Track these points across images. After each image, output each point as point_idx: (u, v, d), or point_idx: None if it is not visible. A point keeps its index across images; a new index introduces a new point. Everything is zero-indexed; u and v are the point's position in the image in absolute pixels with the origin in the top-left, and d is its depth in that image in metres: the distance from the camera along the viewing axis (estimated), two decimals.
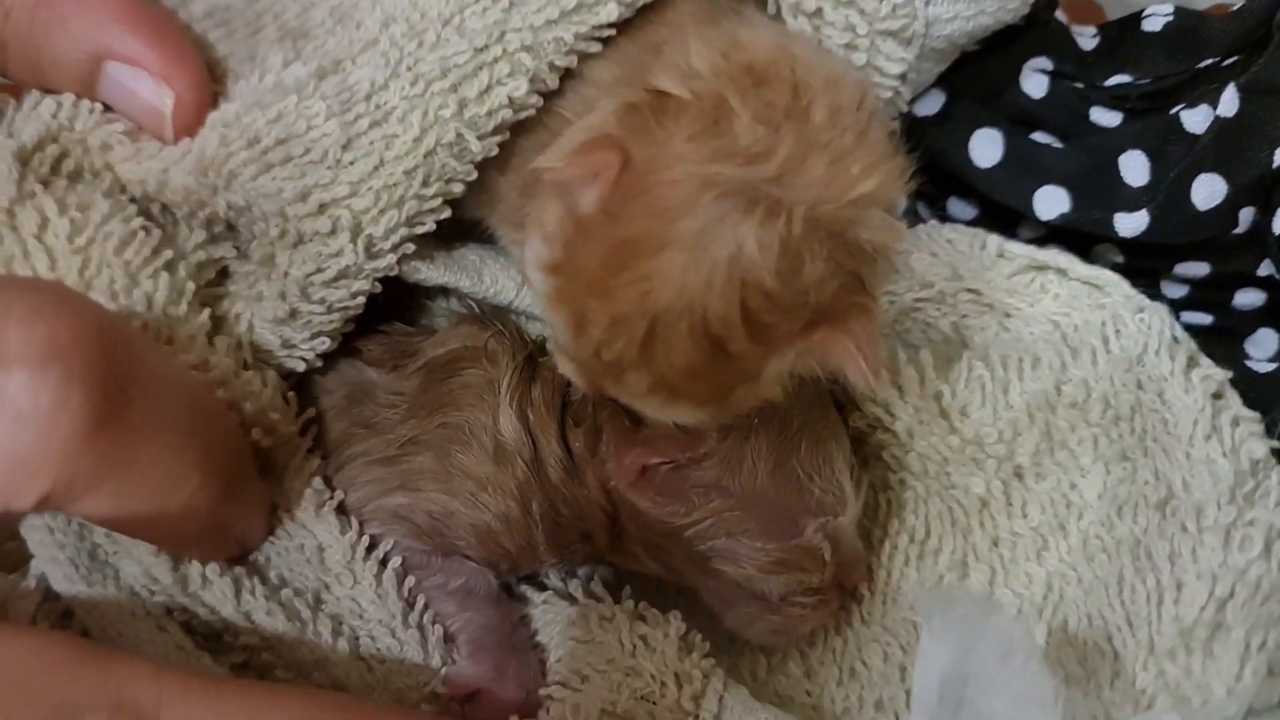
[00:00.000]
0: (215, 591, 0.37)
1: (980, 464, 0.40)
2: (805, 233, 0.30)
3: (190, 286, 0.38)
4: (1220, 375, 0.38)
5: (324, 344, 0.40)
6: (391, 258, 0.38)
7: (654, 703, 0.36)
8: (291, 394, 0.40)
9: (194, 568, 0.37)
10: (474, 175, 0.38)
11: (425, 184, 0.37)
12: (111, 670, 0.29)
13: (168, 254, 0.38)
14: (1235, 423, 0.37)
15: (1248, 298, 0.44)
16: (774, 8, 0.39)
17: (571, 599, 0.41)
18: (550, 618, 0.41)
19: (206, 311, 0.39)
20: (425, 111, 0.36)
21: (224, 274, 0.41)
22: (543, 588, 0.43)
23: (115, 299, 0.36)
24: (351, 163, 0.36)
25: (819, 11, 0.38)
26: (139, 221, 0.38)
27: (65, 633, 0.36)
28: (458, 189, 0.38)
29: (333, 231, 0.37)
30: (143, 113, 0.37)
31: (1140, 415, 0.38)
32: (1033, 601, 0.39)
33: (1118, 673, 0.35)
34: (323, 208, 0.37)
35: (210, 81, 0.38)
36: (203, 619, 0.37)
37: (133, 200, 0.38)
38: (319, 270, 0.38)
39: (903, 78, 0.39)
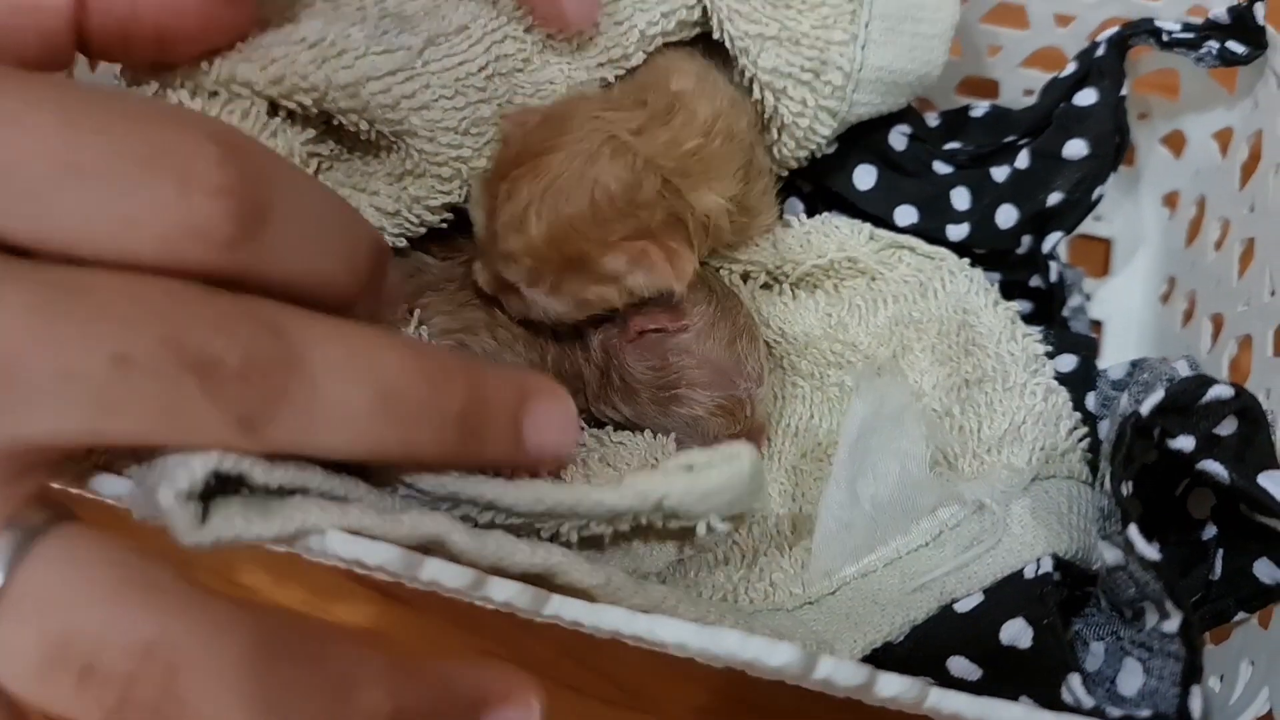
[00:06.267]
0: None
1: (853, 364, 0.55)
2: (644, 168, 0.46)
3: None
4: (1015, 307, 0.56)
5: (402, 242, 0.53)
6: None
7: None
8: None
9: None
10: None
11: None
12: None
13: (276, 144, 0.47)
14: (1026, 334, 0.55)
15: (1021, 306, 0.63)
16: (743, 79, 0.53)
17: None
18: None
19: None
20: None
21: (316, 171, 0.51)
22: None
23: None
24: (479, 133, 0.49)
25: (784, 90, 0.53)
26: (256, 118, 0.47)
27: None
28: None
29: (452, 178, 0.50)
30: None
31: (964, 330, 0.54)
32: None
33: (954, 469, 0.51)
34: (450, 163, 0.49)
35: None
36: None
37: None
38: (429, 197, 0.50)
39: (827, 138, 0.56)
